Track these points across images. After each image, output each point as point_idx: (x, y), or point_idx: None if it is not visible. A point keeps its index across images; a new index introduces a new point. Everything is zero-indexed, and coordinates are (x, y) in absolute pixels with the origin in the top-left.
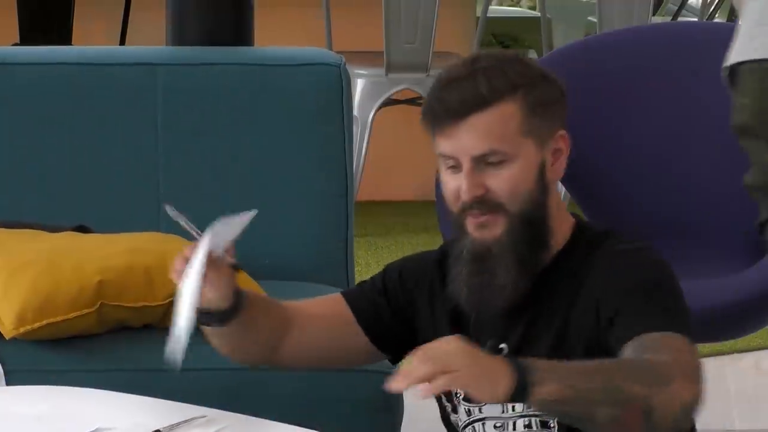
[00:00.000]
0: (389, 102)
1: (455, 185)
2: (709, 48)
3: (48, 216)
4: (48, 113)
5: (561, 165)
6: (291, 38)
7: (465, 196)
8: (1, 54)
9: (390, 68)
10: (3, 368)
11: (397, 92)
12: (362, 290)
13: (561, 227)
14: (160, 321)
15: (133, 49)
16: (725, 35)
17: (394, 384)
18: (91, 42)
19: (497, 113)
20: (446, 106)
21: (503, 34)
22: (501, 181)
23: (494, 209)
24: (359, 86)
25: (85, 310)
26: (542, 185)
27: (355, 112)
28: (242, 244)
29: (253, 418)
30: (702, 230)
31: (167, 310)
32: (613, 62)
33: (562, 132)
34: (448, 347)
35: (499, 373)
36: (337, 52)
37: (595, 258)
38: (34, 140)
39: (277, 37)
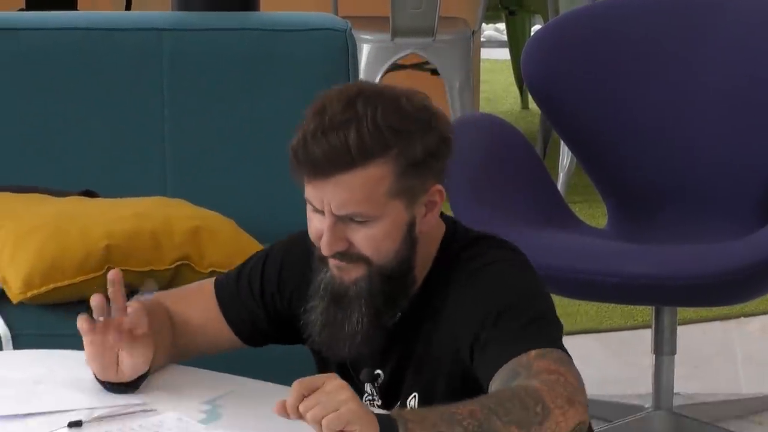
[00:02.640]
0: (395, 67)
1: (319, 227)
2: (715, 15)
3: (54, 181)
4: (54, 79)
5: (434, 216)
6: (297, 2)
7: (325, 251)
8: (6, 19)
9: (396, 33)
10: (11, 332)
11: (403, 57)
12: (238, 295)
13: (429, 249)
14: (167, 285)
15: (138, 15)
16: (731, 3)
17: (278, 409)
18: (96, 7)
19: (364, 176)
20: (312, 161)
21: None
22: (364, 239)
23: (356, 260)
24: (365, 51)
25: (92, 275)
26: (410, 241)
27: (361, 76)
28: (248, 207)
29: (258, 381)
30: (708, 196)
31: (174, 274)
32: (618, 28)
33: (438, 187)
34: (330, 391)
35: (368, 427)
36: (343, 17)
37: (452, 282)
38: (40, 106)
39: (283, 2)
